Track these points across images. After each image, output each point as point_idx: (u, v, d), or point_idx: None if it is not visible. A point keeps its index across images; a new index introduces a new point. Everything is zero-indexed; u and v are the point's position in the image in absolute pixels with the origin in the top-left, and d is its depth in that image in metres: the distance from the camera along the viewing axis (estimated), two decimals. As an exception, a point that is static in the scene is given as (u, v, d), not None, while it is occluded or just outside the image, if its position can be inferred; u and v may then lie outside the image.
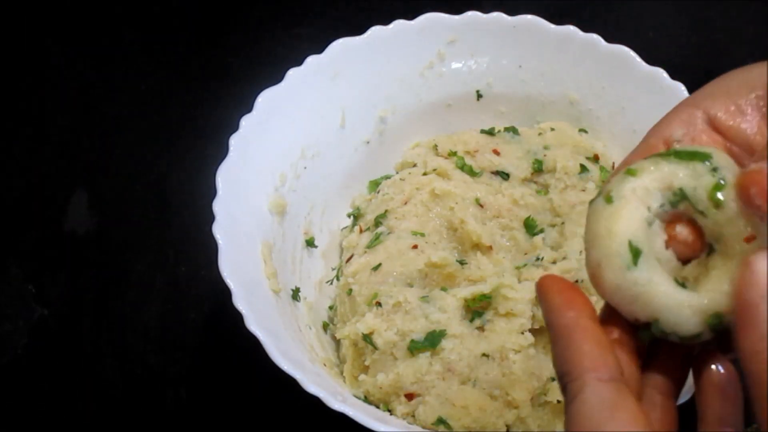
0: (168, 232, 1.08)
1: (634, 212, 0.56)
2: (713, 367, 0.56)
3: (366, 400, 0.88)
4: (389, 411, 0.87)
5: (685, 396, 0.77)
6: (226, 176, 0.88)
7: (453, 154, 1.01)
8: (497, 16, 1.01)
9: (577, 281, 0.88)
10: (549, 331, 0.57)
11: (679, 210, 0.57)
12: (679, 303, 0.55)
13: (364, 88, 1.01)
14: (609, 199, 0.57)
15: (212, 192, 0.87)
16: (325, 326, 0.97)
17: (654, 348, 0.59)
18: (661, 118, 0.64)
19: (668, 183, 0.57)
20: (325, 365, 0.89)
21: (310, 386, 0.76)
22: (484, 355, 0.86)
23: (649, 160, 0.58)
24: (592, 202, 0.58)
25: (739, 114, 0.61)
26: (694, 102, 0.63)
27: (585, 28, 1.00)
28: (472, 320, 0.88)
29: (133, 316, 1.02)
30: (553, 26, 1.00)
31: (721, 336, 0.55)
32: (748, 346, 0.49)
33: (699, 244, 0.57)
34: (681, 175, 0.57)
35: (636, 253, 0.55)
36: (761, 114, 0.61)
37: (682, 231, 0.57)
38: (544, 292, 0.58)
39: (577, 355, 0.55)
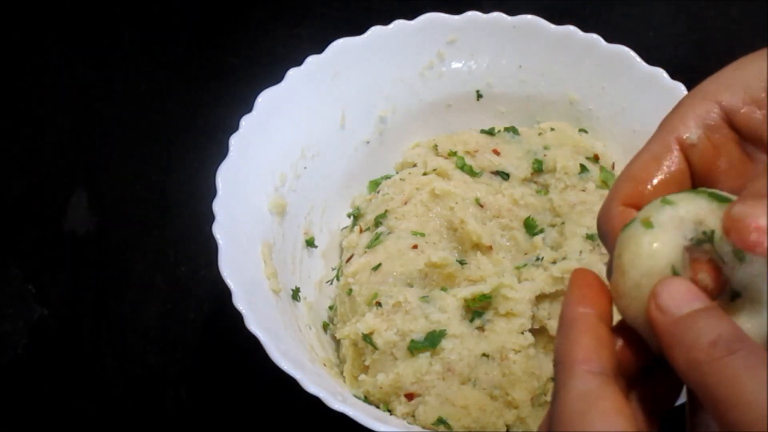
0: (168, 232, 1.08)
1: (673, 239, 0.55)
2: None
3: (366, 400, 0.88)
4: (389, 411, 0.87)
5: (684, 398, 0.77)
6: (226, 176, 0.88)
7: (453, 154, 1.01)
8: (497, 16, 1.01)
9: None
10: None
11: (704, 249, 0.55)
12: None
13: (364, 88, 1.01)
14: (648, 224, 0.55)
15: (212, 192, 0.87)
16: (325, 326, 0.97)
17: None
18: (674, 110, 0.62)
19: (701, 219, 0.55)
20: (325, 365, 0.89)
21: (310, 386, 0.76)
22: (484, 355, 0.86)
23: (685, 193, 0.57)
24: (626, 227, 0.57)
25: (758, 109, 0.60)
26: (709, 94, 0.61)
27: (585, 28, 1.00)
28: (472, 320, 0.88)
29: (133, 316, 1.02)
30: (553, 26, 1.00)
31: None
32: (681, 362, 0.50)
33: (717, 290, 0.55)
34: (713, 217, 0.55)
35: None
36: None
37: (704, 278, 0.54)
38: (570, 282, 0.58)
39: (573, 346, 0.54)
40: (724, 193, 0.56)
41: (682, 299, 0.52)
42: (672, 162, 0.61)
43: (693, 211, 0.55)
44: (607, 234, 0.60)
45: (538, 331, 0.89)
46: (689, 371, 0.50)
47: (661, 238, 0.55)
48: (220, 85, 1.19)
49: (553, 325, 0.88)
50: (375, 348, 0.88)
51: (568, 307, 0.56)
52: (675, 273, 0.54)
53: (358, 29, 0.99)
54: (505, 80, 1.04)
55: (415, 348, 0.86)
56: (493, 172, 1.00)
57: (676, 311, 0.52)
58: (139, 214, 1.10)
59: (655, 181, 0.60)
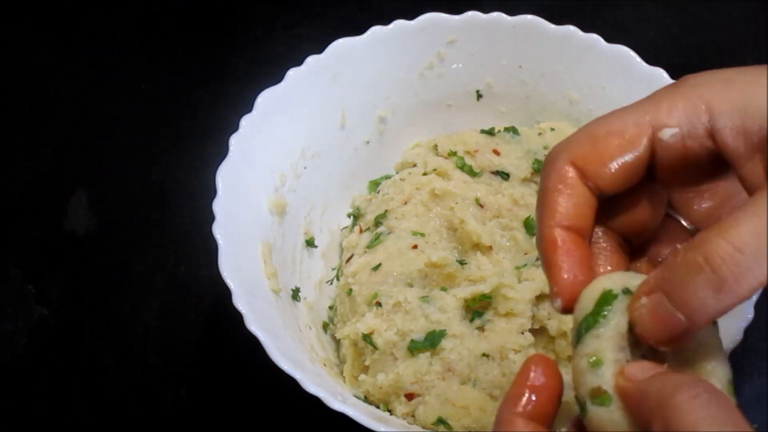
0: (168, 232, 1.08)
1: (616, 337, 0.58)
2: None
3: (366, 400, 0.88)
4: (389, 411, 0.87)
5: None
6: (226, 176, 0.88)
7: (453, 154, 1.01)
8: (497, 16, 1.01)
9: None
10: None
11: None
12: None
13: (364, 88, 1.01)
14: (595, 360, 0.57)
15: (212, 192, 0.87)
16: (325, 326, 0.97)
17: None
18: (666, 93, 0.60)
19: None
20: (325, 365, 0.89)
21: (310, 386, 0.76)
22: (484, 355, 0.86)
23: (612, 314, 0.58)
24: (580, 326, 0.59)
25: (745, 140, 0.57)
26: (705, 96, 0.58)
27: (585, 28, 1.00)
28: (472, 320, 0.88)
29: (133, 316, 1.02)
30: (553, 26, 1.00)
31: None
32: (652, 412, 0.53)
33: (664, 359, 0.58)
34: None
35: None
36: (758, 152, 0.56)
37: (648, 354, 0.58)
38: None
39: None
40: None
41: (644, 369, 0.55)
42: (637, 150, 0.60)
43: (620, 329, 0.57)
44: (545, 256, 0.61)
45: (538, 331, 0.89)
46: (658, 413, 0.52)
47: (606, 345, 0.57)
48: (220, 85, 1.19)
49: (553, 325, 0.88)
50: (375, 348, 0.88)
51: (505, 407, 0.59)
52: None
53: (358, 29, 0.99)
54: (505, 80, 1.04)
55: (415, 348, 0.86)
56: (493, 172, 1.00)
57: (641, 376, 0.55)
58: (139, 214, 1.10)
59: (612, 166, 0.59)
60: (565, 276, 0.59)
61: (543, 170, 0.62)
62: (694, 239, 0.53)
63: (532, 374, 0.59)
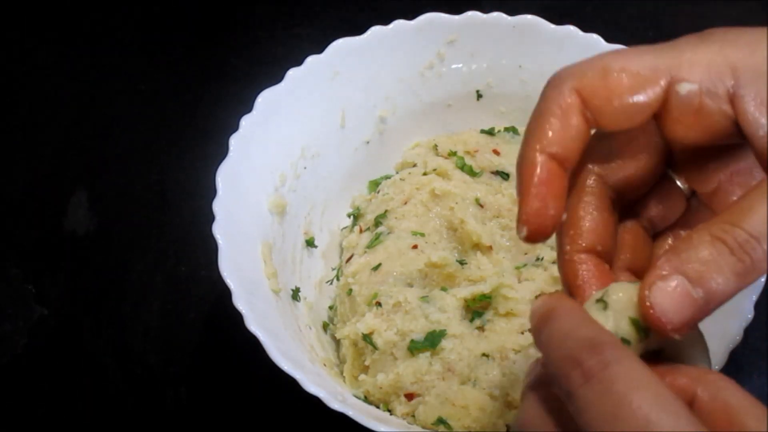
0: (168, 232, 1.08)
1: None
2: None
3: (366, 400, 0.88)
4: (389, 411, 0.87)
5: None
6: (226, 176, 0.88)
7: (453, 154, 1.01)
8: (497, 16, 1.01)
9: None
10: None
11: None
12: None
13: (364, 88, 1.01)
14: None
15: (212, 192, 0.87)
16: (325, 326, 0.97)
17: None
18: (681, 41, 0.57)
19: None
20: (325, 365, 0.89)
21: (310, 386, 0.76)
22: (484, 355, 0.86)
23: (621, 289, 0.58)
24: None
25: (766, 111, 0.54)
26: (726, 53, 0.55)
27: (585, 28, 1.00)
28: (472, 320, 0.88)
29: (133, 316, 1.02)
30: (553, 26, 1.00)
31: None
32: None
33: None
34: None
35: None
36: None
37: None
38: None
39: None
40: None
41: None
42: (650, 95, 0.56)
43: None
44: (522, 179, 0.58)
45: (538, 331, 0.89)
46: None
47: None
48: (220, 85, 1.19)
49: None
50: (375, 348, 0.88)
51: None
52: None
53: (358, 29, 0.99)
54: (505, 80, 1.04)
55: (415, 348, 0.86)
56: (493, 172, 1.00)
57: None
58: (139, 214, 1.10)
59: (620, 104, 0.57)
60: (537, 205, 0.57)
61: (544, 90, 0.59)
62: (712, 221, 0.53)
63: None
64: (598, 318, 0.56)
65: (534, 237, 0.58)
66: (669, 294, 0.53)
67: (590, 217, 0.61)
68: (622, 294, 0.56)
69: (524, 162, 0.57)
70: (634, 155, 0.61)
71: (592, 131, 0.59)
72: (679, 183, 0.64)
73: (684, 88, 0.56)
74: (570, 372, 0.51)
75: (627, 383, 0.49)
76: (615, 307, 0.56)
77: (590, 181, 0.61)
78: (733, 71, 0.55)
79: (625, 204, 0.63)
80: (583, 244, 0.60)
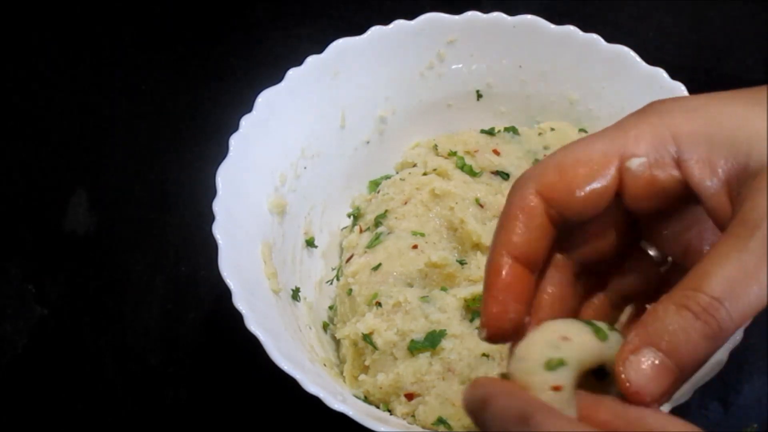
0: (168, 232, 1.08)
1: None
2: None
3: (366, 400, 0.88)
4: (389, 411, 0.87)
5: (684, 397, 0.77)
6: (226, 176, 0.88)
7: (453, 154, 1.01)
8: (497, 16, 1.01)
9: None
10: None
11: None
12: None
13: (364, 88, 1.01)
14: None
15: (212, 192, 0.87)
16: (325, 326, 0.97)
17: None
18: (625, 120, 0.60)
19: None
20: (325, 365, 0.89)
21: (310, 386, 0.76)
22: (484, 355, 0.86)
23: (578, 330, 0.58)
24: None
25: (709, 171, 0.57)
26: (667, 123, 0.58)
27: (585, 28, 1.00)
28: (472, 320, 0.88)
29: (133, 316, 1.02)
30: (553, 26, 1.00)
31: None
32: None
33: None
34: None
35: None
36: (724, 183, 0.57)
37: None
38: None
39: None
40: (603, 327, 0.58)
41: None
42: (605, 179, 0.59)
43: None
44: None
45: (538, 331, 0.89)
46: None
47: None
48: (220, 85, 1.19)
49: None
50: (375, 348, 0.88)
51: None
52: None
53: (358, 29, 0.99)
54: (505, 80, 1.04)
55: (415, 348, 0.86)
56: (493, 172, 1.00)
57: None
58: (139, 214, 1.10)
59: (580, 195, 0.59)
60: (495, 310, 0.59)
61: (508, 195, 0.61)
62: (674, 290, 0.54)
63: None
64: (549, 379, 0.55)
65: (494, 339, 0.60)
66: (644, 368, 0.54)
67: (551, 290, 0.63)
68: (576, 349, 0.56)
69: (490, 265, 0.60)
70: (600, 232, 0.63)
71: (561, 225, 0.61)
72: (650, 251, 0.66)
73: (634, 163, 0.59)
74: None
75: None
76: (571, 364, 0.56)
77: (556, 256, 0.63)
78: (675, 139, 0.58)
79: (595, 275, 0.65)
80: (543, 318, 0.61)
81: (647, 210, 0.60)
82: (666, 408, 0.77)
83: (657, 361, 0.53)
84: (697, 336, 0.53)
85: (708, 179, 0.57)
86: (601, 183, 0.59)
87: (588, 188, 0.59)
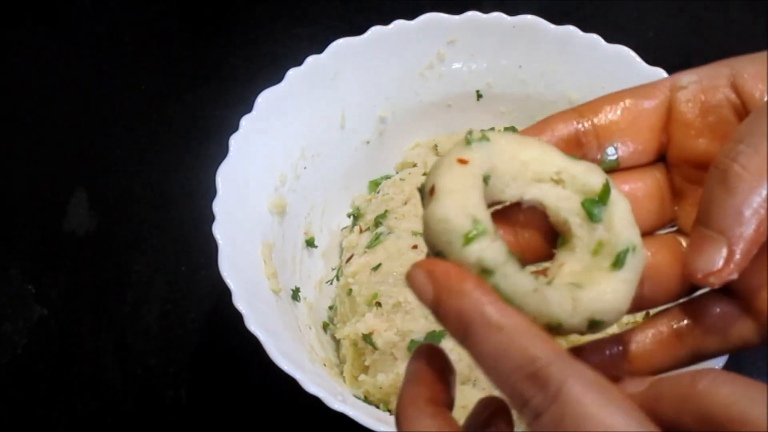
0: (168, 232, 1.08)
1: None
2: None
3: (366, 400, 0.88)
4: (389, 411, 0.87)
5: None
6: (226, 176, 0.88)
7: (453, 154, 1.01)
8: (497, 16, 1.01)
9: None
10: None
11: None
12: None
13: (364, 88, 1.01)
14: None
15: (212, 192, 0.87)
16: (325, 326, 0.97)
17: None
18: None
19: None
20: (325, 365, 0.89)
21: (310, 386, 0.76)
22: (484, 355, 0.86)
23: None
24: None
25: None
26: (722, 62, 0.56)
27: (585, 28, 1.00)
28: (472, 320, 0.88)
29: (133, 316, 1.02)
30: (553, 26, 1.00)
31: None
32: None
33: None
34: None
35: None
36: None
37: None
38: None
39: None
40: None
41: (640, 381, 0.51)
42: (656, 98, 0.56)
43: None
44: None
45: (538, 331, 0.89)
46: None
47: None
48: (220, 85, 1.19)
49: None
50: (375, 348, 0.88)
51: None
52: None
53: (358, 29, 0.99)
54: (505, 80, 1.04)
55: (415, 348, 0.86)
56: (493, 172, 1.00)
57: (644, 385, 0.50)
58: (139, 214, 1.10)
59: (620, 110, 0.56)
60: None
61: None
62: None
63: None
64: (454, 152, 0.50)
65: None
66: (691, 245, 0.50)
67: None
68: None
69: None
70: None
71: None
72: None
73: (684, 80, 0.55)
74: (520, 408, 0.48)
75: (583, 408, 0.44)
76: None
77: None
78: (730, 64, 0.55)
79: None
80: None
81: (694, 152, 0.55)
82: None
83: (702, 236, 0.49)
84: (720, 190, 0.49)
85: (764, 86, 0.53)
86: (650, 101, 0.56)
87: (637, 108, 0.56)
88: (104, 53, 1.24)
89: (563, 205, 0.53)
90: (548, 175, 0.52)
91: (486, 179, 0.51)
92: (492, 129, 1.03)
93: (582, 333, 0.51)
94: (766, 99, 0.53)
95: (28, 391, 0.98)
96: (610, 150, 0.57)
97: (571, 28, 1.00)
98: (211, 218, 0.85)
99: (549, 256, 0.54)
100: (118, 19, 1.27)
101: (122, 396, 0.97)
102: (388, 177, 1.03)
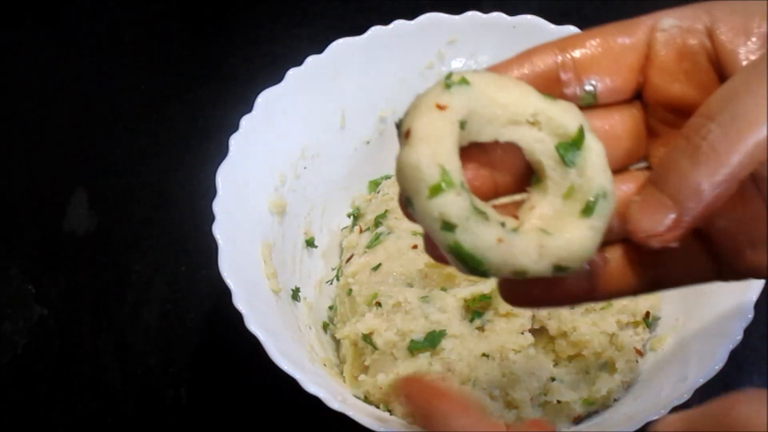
0: (168, 232, 1.08)
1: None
2: None
3: (366, 400, 0.88)
4: (389, 411, 0.87)
5: (684, 397, 0.77)
6: (226, 176, 0.88)
7: (453, 154, 1.01)
8: (497, 16, 1.01)
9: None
10: None
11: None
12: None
13: (364, 88, 1.01)
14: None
15: (212, 192, 0.87)
16: (325, 326, 0.97)
17: None
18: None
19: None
20: (325, 365, 0.90)
21: (310, 386, 0.76)
22: (484, 355, 0.86)
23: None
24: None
25: (744, 38, 0.53)
26: (703, 6, 0.55)
27: (585, 28, 1.00)
28: (472, 320, 0.88)
29: (133, 316, 1.02)
30: (553, 26, 1.00)
31: None
32: None
33: None
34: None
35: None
36: (762, 44, 0.52)
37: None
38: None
39: None
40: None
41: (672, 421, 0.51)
42: (634, 36, 0.56)
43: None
44: None
45: (538, 331, 0.89)
46: None
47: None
48: (220, 85, 1.19)
49: (553, 325, 0.88)
50: (375, 348, 0.88)
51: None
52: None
53: (358, 29, 0.99)
54: (505, 80, 1.04)
55: (415, 348, 0.86)
56: (493, 172, 1.00)
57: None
58: (139, 214, 1.10)
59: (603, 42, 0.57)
60: None
61: None
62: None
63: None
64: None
65: None
66: (639, 204, 0.51)
67: None
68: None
69: None
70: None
71: None
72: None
73: (666, 23, 0.55)
74: None
75: None
76: None
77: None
78: (708, 11, 0.55)
79: None
80: None
81: (671, 98, 0.56)
82: (666, 409, 0.77)
83: (653, 198, 0.50)
84: (684, 161, 0.49)
85: (741, 46, 0.53)
86: (630, 39, 0.57)
87: (618, 45, 0.57)
88: (104, 53, 1.24)
89: (538, 147, 0.53)
90: (524, 117, 0.53)
91: (462, 124, 0.52)
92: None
93: (547, 277, 0.52)
94: (739, 56, 0.53)
95: (28, 391, 0.98)
96: (588, 87, 0.57)
97: (571, 28, 1.00)
98: (211, 218, 0.85)
99: (524, 190, 0.55)
100: (118, 19, 1.27)
101: (122, 396, 0.97)
102: (388, 177, 1.03)
